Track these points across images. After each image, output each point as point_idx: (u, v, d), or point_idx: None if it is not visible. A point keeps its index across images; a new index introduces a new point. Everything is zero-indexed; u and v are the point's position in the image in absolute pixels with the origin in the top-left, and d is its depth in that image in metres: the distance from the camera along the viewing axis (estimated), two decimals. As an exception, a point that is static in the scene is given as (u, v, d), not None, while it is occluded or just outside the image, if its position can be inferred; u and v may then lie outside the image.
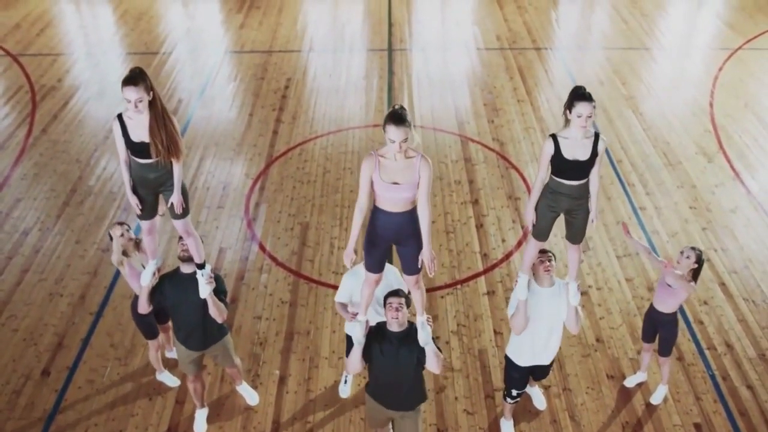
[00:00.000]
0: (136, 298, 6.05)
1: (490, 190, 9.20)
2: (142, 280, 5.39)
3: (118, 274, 7.64)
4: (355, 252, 4.78)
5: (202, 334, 5.62)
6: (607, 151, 9.84)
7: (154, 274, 5.39)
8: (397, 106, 4.39)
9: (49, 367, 6.74)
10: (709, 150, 10.01)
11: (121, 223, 5.89)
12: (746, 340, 7.01)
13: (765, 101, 11.30)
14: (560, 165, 4.86)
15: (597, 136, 4.87)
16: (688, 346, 6.94)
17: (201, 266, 5.31)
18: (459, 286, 7.70)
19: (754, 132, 10.43)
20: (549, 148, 4.84)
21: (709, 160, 9.78)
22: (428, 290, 7.57)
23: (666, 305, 5.96)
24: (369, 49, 13.23)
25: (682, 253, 5.83)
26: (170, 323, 6.46)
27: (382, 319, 5.05)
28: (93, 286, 7.69)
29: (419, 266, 4.78)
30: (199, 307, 5.45)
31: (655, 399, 6.40)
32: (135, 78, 4.54)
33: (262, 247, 8.25)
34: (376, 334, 4.91)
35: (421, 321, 4.82)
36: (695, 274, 5.82)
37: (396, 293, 4.81)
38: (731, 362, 6.77)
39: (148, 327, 6.16)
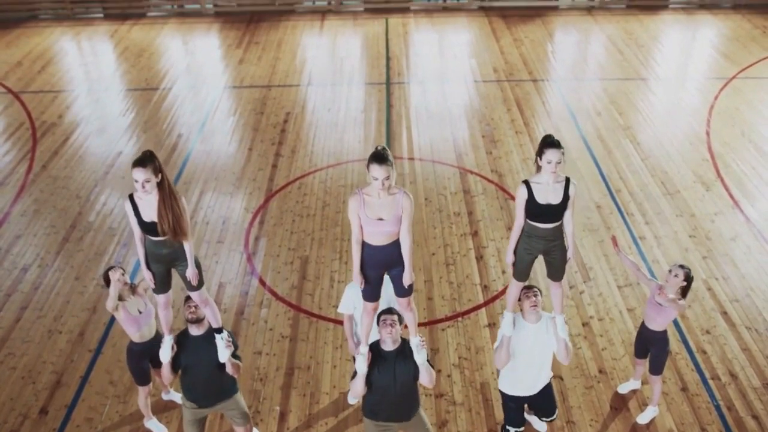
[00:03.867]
0: (131, 342, 6.02)
1: (490, 221, 9.21)
2: (163, 357, 5.36)
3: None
4: (362, 275, 5.07)
5: (216, 391, 5.57)
6: (607, 185, 9.91)
7: (172, 348, 5.36)
8: (379, 147, 4.78)
9: (47, 405, 6.67)
10: (707, 178, 10.04)
11: (117, 266, 5.86)
12: (750, 369, 6.95)
13: (761, 129, 11.36)
14: (534, 209, 5.13)
15: (568, 180, 5.14)
16: (691, 376, 6.88)
17: (219, 331, 5.37)
18: (460, 319, 7.66)
19: (752, 160, 10.47)
20: (523, 194, 5.12)
21: (707, 189, 9.80)
22: (429, 323, 7.54)
23: (656, 323, 6.06)
24: (367, 83, 13.35)
25: (670, 271, 5.94)
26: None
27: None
28: (92, 322, 7.66)
29: (410, 287, 5.11)
30: (213, 367, 5.42)
31: (642, 419, 6.41)
32: (144, 160, 4.79)
33: (262, 282, 8.22)
34: (372, 355, 5.10)
35: (416, 342, 5.07)
36: (684, 291, 5.93)
37: (389, 311, 5.12)
38: (736, 392, 6.71)
39: (142, 373, 6.09)
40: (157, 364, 6.24)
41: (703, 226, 9.04)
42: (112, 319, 7.60)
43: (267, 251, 8.73)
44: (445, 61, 14.49)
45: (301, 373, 7.01)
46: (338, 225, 9.16)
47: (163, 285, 5.29)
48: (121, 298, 5.82)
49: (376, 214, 4.80)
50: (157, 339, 6.10)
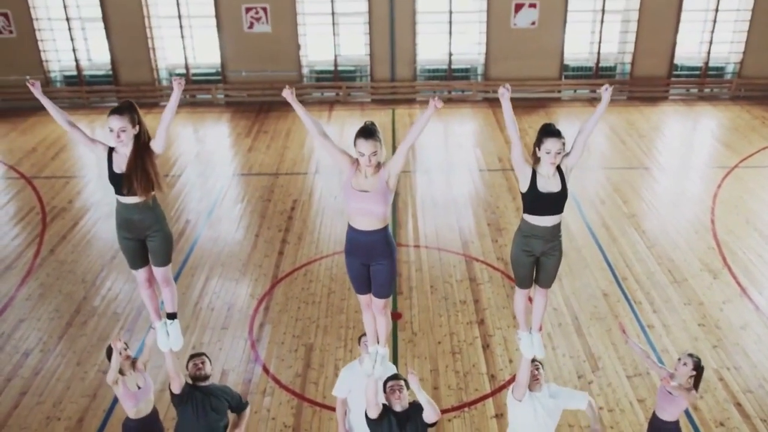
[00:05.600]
0: (126, 419, 5.91)
1: (496, 309, 9.14)
2: (161, 345, 5.25)
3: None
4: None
5: None
6: (613, 273, 9.89)
7: (167, 334, 5.24)
8: (368, 122, 4.68)
9: (41, 497, 6.48)
10: (713, 266, 10.01)
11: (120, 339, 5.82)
12: (767, 464, 6.73)
13: (765, 217, 11.41)
14: (534, 200, 4.87)
15: (558, 167, 4.84)
16: (707, 471, 6.66)
17: (171, 316, 5.23)
18: (466, 409, 7.49)
19: (758, 248, 10.46)
20: (526, 174, 4.85)
21: (714, 277, 9.75)
22: (435, 413, 7.37)
23: (667, 413, 5.91)
24: (374, 171, 13.54)
25: (679, 360, 5.85)
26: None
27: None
28: (92, 409, 7.52)
29: (390, 288, 5.00)
30: (211, 427, 5.38)
31: None
32: (121, 108, 4.65)
33: (265, 369, 8.11)
34: (382, 415, 5.19)
35: (383, 353, 5.13)
36: (696, 382, 5.79)
37: (394, 377, 5.27)
38: (754, 489, 6.48)
39: None
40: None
41: (712, 314, 8.94)
42: (112, 407, 7.46)
43: (271, 338, 8.64)
44: (450, 150, 14.77)
45: (304, 465, 6.81)
46: (343, 312, 9.10)
47: (139, 259, 4.99)
48: (121, 372, 5.73)
49: (361, 186, 4.66)
50: (154, 415, 5.99)
